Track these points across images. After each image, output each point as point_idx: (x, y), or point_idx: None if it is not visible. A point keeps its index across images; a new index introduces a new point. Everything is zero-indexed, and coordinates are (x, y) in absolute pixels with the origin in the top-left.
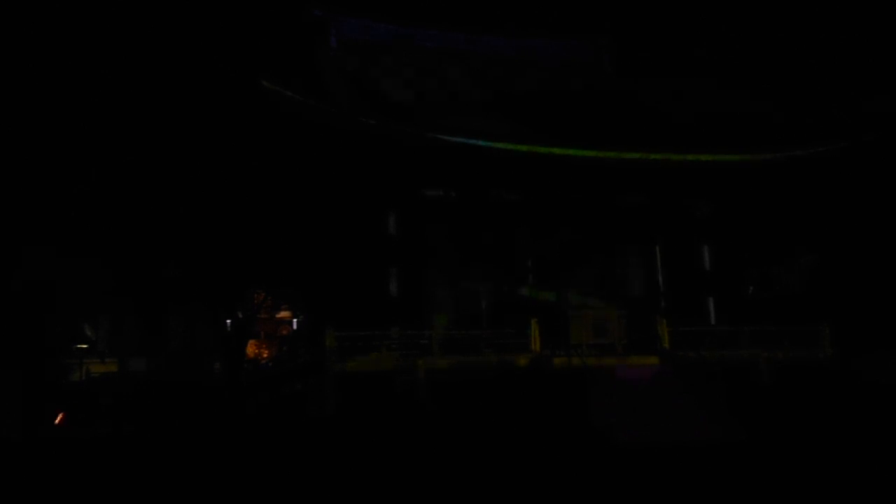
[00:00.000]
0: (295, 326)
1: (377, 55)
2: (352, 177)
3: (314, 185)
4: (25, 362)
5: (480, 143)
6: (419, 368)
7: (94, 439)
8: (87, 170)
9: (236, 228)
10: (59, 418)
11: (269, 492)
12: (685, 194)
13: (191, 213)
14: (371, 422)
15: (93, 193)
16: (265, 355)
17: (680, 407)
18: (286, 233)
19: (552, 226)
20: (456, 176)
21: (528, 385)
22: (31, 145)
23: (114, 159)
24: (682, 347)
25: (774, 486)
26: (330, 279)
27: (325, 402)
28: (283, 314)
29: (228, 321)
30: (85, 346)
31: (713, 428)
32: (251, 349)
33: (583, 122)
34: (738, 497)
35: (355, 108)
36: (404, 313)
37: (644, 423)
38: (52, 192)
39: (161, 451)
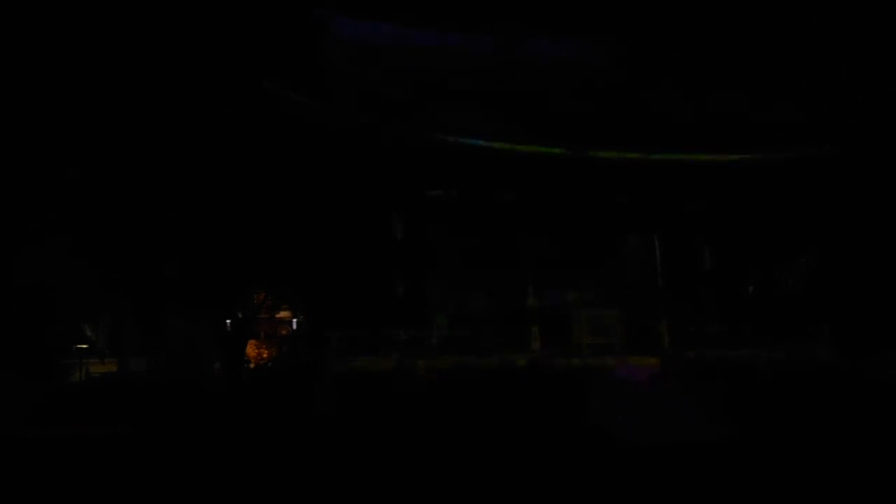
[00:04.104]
0: (295, 326)
1: (377, 55)
2: (351, 177)
3: (314, 185)
4: (25, 362)
5: (481, 142)
6: (419, 368)
7: (94, 439)
8: (88, 170)
9: (237, 229)
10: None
11: (269, 492)
12: (685, 194)
13: (192, 213)
14: (371, 422)
15: (93, 193)
16: (265, 355)
17: (680, 407)
18: (287, 233)
19: (552, 225)
20: (456, 176)
21: (528, 385)
22: (32, 144)
23: (114, 159)
24: (682, 347)
25: (774, 486)
26: (330, 279)
27: (326, 402)
28: (283, 314)
29: (228, 321)
30: (85, 346)
31: (713, 428)
32: (251, 349)
33: (583, 122)
34: (738, 497)
35: (356, 109)
36: (404, 313)
37: (644, 423)
38: (51, 191)
39: (161, 452)
